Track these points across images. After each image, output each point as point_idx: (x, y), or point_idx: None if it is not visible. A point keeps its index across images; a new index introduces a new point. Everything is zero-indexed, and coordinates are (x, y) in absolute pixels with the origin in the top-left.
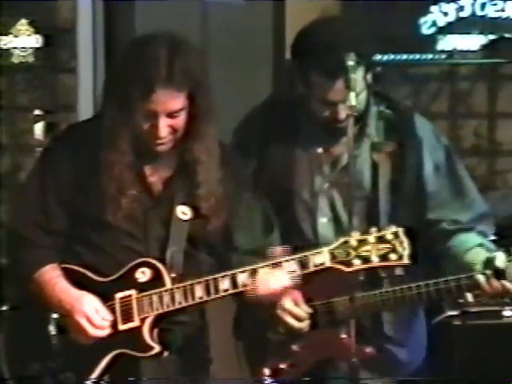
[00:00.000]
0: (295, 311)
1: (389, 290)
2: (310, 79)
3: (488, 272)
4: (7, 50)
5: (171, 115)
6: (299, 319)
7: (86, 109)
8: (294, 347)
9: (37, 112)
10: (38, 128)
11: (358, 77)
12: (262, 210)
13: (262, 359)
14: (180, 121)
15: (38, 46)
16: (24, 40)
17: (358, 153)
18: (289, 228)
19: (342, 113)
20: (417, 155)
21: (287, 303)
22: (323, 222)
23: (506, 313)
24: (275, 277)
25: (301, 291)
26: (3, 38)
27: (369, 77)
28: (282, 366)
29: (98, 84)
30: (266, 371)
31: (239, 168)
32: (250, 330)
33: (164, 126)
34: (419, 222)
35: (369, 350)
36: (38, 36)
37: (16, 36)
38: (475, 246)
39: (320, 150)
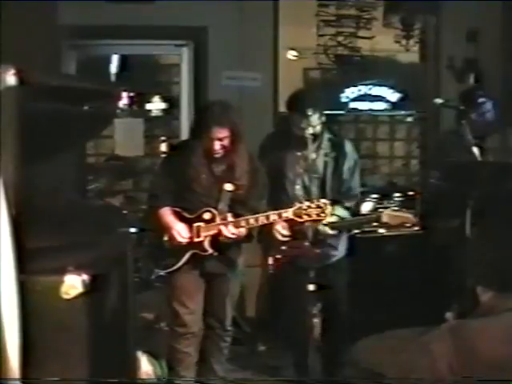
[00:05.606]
0: (282, 231)
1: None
2: (294, 118)
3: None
4: (149, 110)
5: (220, 139)
6: (284, 236)
7: (183, 137)
8: (283, 247)
9: (162, 138)
10: (163, 146)
11: (316, 117)
12: (261, 187)
13: (268, 253)
14: (226, 142)
15: (163, 107)
16: (157, 105)
17: (316, 156)
18: (281, 191)
19: (309, 132)
20: (343, 161)
21: (279, 228)
22: (297, 187)
23: (380, 230)
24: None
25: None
26: (147, 104)
27: (323, 118)
28: (278, 256)
29: (189, 125)
30: (270, 259)
31: (256, 166)
32: (264, 239)
33: (217, 145)
34: (339, 191)
35: (318, 251)
36: (163, 103)
37: (153, 103)
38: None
39: (299, 153)
